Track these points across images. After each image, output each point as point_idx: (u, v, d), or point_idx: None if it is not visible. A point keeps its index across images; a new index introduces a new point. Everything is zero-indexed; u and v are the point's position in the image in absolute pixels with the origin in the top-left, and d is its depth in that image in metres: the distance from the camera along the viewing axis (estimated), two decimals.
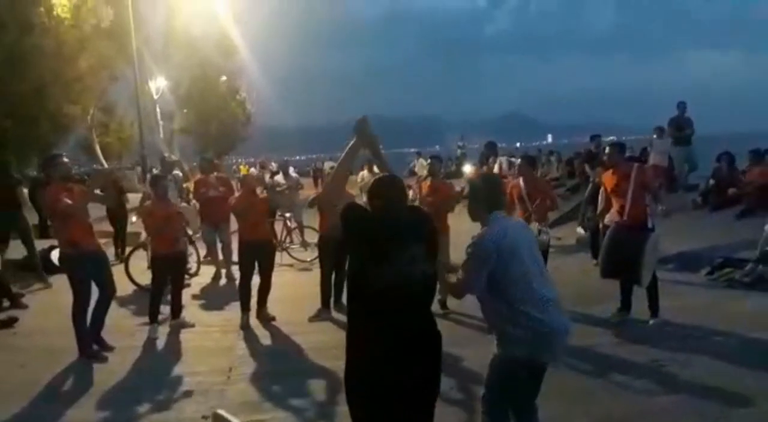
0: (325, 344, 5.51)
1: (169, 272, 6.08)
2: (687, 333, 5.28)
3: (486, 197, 3.00)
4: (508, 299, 2.78)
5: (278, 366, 5.11)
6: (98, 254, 5.44)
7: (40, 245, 9.34)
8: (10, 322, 6.45)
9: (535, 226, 5.95)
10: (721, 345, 4.93)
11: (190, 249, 8.30)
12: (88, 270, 5.27)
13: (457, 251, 9.65)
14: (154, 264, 6.26)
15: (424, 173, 12.34)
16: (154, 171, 8.90)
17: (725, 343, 4.98)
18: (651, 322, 5.54)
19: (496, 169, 10.62)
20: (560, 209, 10.19)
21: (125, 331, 6.09)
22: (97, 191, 5.79)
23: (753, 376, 4.23)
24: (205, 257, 8.89)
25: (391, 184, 2.65)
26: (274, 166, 15.03)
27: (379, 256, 2.42)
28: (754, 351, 4.76)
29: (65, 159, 5.58)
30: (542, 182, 7.22)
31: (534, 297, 2.76)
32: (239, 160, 32.76)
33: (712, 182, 9.95)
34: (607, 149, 5.98)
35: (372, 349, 2.45)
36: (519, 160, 7.96)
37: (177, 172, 9.68)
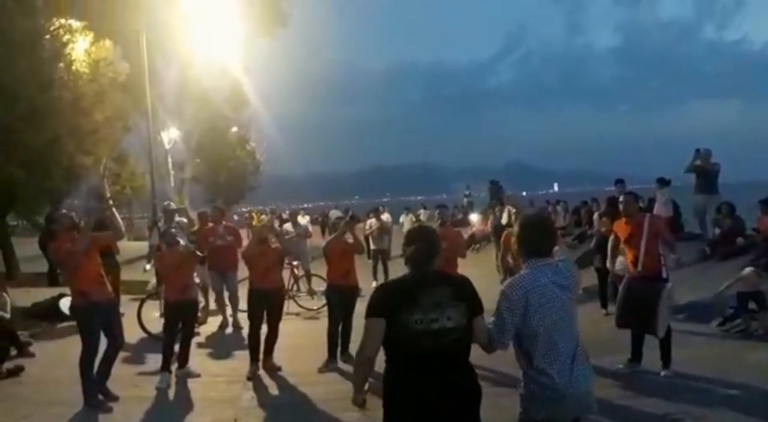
0: (332, 395, 5.44)
1: (181, 320, 6.09)
2: (700, 386, 5.19)
3: (523, 241, 2.80)
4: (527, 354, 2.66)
5: (284, 418, 5.05)
6: (109, 304, 5.46)
7: (49, 293, 9.40)
8: (17, 371, 6.42)
9: None
10: (735, 398, 4.84)
11: (200, 298, 8.33)
12: (97, 321, 5.29)
13: None
14: (167, 311, 6.29)
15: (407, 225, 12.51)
16: (159, 224, 8.99)
17: (739, 396, 4.88)
18: (663, 373, 5.46)
19: (504, 218, 10.68)
20: (568, 258, 10.21)
21: (130, 380, 6.05)
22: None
23: None
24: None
25: (419, 233, 2.73)
26: (286, 213, 15.19)
27: (409, 302, 2.46)
28: None
29: (64, 212, 5.71)
30: None
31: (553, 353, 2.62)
32: (250, 208, 32.93)
33: (717, 231, 9.95)
34: (621, 198, 6.03)
35: (406, 398, 2.49)
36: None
37: (182, 219, 9.78)
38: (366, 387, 2.71)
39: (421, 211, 19.05)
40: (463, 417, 2.52)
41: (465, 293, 2.58)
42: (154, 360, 6.71)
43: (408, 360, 2.49)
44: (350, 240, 6.74)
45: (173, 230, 6.76)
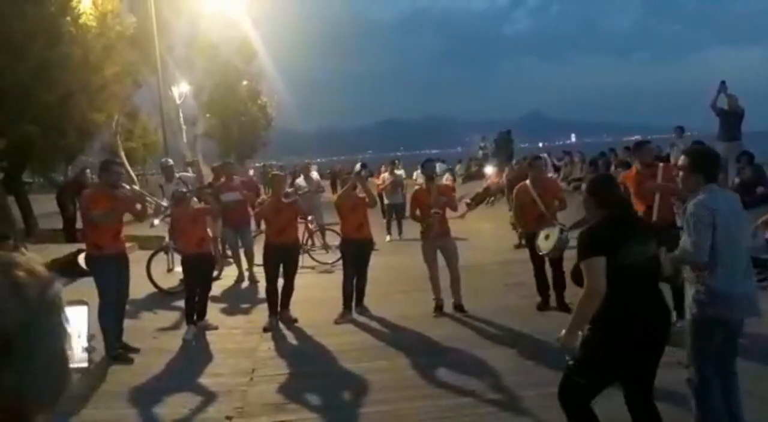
0: (348, 346, 5.53)
1: (199, 273, 6.17)
2: None
3: (703, 169, 3.25)
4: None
5: (300, 368, 5.14)
6: (120, 257, 5.56)
7: (67, 249, 9.53)
8: None
9: (556, 228, 5.95)
10: (748, 346, 4.81)
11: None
12: (109, 271, 5.41)
13: (479, 251, 9.57)
14: (184, 265, 6.39)
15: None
16: (161, 183, 8.99)
17: (753, 344, 4.86)
18: (678, 324, 5.43)
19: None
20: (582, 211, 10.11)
21: (148, 334, 6.17)
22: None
23: None
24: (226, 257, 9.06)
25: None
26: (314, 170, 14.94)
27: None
28: None
29: (119, 168, 5.74)
30: (550, 182, 7.19)
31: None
32: (263, 163, 32.89)
33: (737, 181, 9.75)
34: (634, 148, 5.89)
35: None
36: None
37: (185, 173, 9.77)
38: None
39: (437, 164, 18.93)
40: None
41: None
42: (168, 315, 6.87)
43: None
44: (361, 194, 6.70)
45: (178, 187, 6.77)
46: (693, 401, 3.29)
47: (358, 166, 12.15)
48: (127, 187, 5.74)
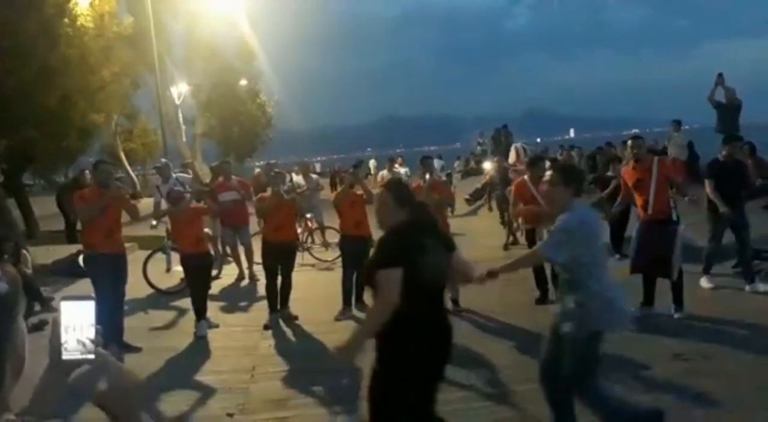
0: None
1: (196, 272, 6.20)
2: (712, 326, 5.21)
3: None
4: None
5: (301, 365, 5.17)
6: (114, 255, 5.61)
7: (68, 250, 9.58)
8: (41, 325, 6.61)
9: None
10: (747, 339, 4.85)
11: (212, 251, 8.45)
12: (104, 270, 5.48)
13: (475, 248, 9.60)
14: (184, 266, 6.43)
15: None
16: (158, 184, 9.00)
17: (751, 336, 4.90)
18: (676, 315, 5.47)
19: (512, 157, 10.55)
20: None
21: (149, 333, 6.21)
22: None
23: None
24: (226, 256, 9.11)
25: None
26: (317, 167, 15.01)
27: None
28: None
29: (109, 166, 5.83)
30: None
31: None
32: (266, 161, 32.88)
33: None
34: (630, 143, 5.90)
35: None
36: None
37: (182, 174, 9.77)
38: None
39: (435, 161, 18.94)
40: None
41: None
42: (168, 315, 6.92)
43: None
44: (359, 191, 6.73)
45: (175, 187, 6.80)
46: None
47: (371, 163, 12.30)
48: (119, 185, 5.85)
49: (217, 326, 6.33)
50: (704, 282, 6.37)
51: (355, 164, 7.98)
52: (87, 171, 12.06)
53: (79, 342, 1.14)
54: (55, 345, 1.11)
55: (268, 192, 6.83)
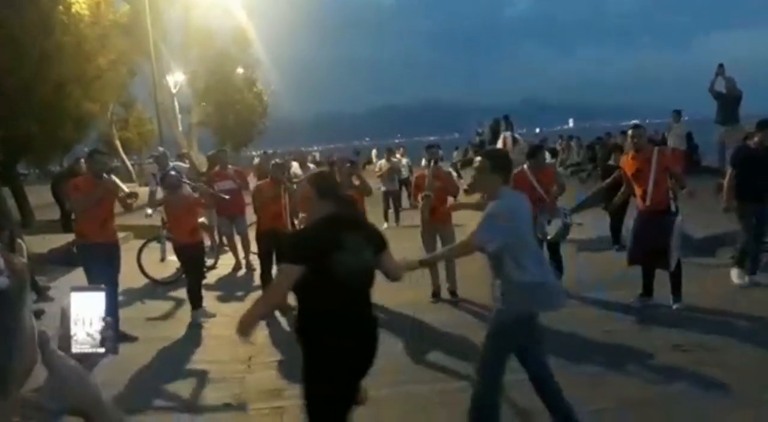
0: None
1: (191, 261, 6.19)
2: (711, 318, 5.19)
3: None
4: None
5: (297, 355, 5.10)
6: (107, 245, 5.57)
7: (64, 239, 9.52)
8: (38, 314, 6.58)
9: (560, 214, 6.02)
10: (745, 329, 4.84)
11: (208, 241, 8.42)
12: (96, 260, 5.44)
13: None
14: (179, 255, 6.40)
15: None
16: (154, 173, 8.95)
17: (750, 327, 4.89)
18: (675, 306, 5.46)
19: (499, 144, 10.47)
20: (582, 194, 10.09)
21: (144, 323, 6.19)
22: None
23: None
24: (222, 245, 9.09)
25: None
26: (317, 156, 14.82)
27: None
28: None
29: (105, 156, 5.78)
30: (548, 167, 7.17)
31: None
32: (263, 150, 32.78)
33: None
34: (630, 132, 5.85)
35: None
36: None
37: (179, 163, 9.71)
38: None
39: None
40: None
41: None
42: (163, 305, 6.90)
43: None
44: (356, 182, 6.68)
45: (173, 172, 6.69)
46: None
47: (373, 152, 12.25)
48: (113, 177, 5.80)
49: (213, 315, 6.31)
50: (735, 277, 6.04)
51: (357, 153, 7.95)
52: (82, 160, 11.99)
53: (88, 334, 1.08)
54: (64, 337, 1.06)
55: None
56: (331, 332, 2.65)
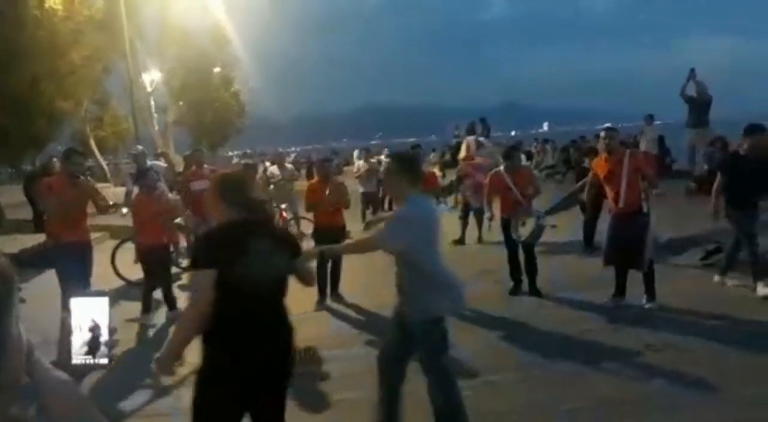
0: (324, 333, 5.54)
1: (156, 264, 6.12)
2: (682, 318, 5.31)
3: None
4: None
5: None
6: (79, 245, 5.49)
7: (36, 239, 9.34)
8: None
9: (533, 215, 6.10)
10: (715, 329, 4.96)
11: (184, 242, 8.34)
12: (67, 259, 5.37)
13: (448, 240, 9.51)
14: (141, 256, 6.29)
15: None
16: (132, 172, 8.84)
17: (720, 326, 5.01)
18: (647, 306, 5.57)
19: (462, 151, 10.40)
20: (556, 197, 10.23)
21: (123, 324, 6.09)
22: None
23: (746, 358, 4.26)
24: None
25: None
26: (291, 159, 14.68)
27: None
28: (749, 332, 4.80)
29: (81, 158, 5.68)
30: (524, 169, 7.26)
31: None
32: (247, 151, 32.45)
33: (706, 167, 9.97)
34: (602, 134, 5.94)
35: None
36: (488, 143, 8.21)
37: (157, 162, 9.60)
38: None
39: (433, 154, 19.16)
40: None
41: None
42: (138, 306, 6.80)
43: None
44: (336, 182, 6.70)
45: (152, 172, 6.60)
46: None
47: (355, 153, 12.11)
48: (89, 179, 5.72)
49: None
50: (762, 289, 5.62)
51: (325, 157, 7.94)
52: (55, 159, 11.76)
53: (90, 344, 1.02)
54: (64, 348, 0.99)
55: None
56: (233, 341, 2.49)
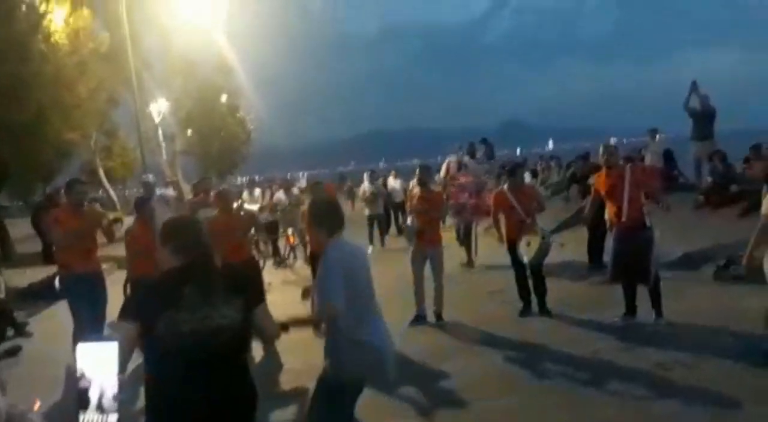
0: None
1: None
2: (693, 335, 5.21)
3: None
4: None
5: (273, 388, 5.03)
6: (92, 276, 5.48)
7: (45, 271, 9.38)
8: (14, 351, 6.45)
9: (538, 234, 6.06)
10: (728, 345, 4.86)
11: None
12: (81, 291, 5.34)
13: (457, 260, 9.46)
14: (132, 288, 5.85)
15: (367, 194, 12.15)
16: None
17: (732, 343, 4.92)
18: (657, 322, 5.49)
19: (442, 171, 10.21)
20: (562, 215, 10.18)
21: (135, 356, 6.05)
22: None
23: (761, 377, 4.17)
24: None
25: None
26: (303, 182, 14.61)
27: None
28: (765, 351, 4.69)
29: (84, 187, 5.67)
30: (528, 187, 7.24)
31: None
32: (250, 178, 32.62)
33: (710, 180, 9.91)
34: (601, 150, 5.92)
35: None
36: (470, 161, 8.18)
37: (167, 191, 9.62)
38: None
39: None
40: None
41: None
42: None
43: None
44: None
45: (153, 200, 6.48)
46: None
47: (367, 186, 12.14)
48: (97, 205, 5.72)
49: None
50: None
51: (342, 177, 7.91)
52: (62, 190, 11.88)
53: (99, 402, 0.91)
54: (69, 402, 0.90)
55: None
56: (164, 415, 2.16)
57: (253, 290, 2.43)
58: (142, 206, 5.91)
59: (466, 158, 10.19)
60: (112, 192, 26.76)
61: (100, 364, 0.92)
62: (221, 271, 2.40)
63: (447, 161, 10.03)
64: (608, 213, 5.75)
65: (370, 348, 2.93)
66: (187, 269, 2.24)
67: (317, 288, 2.98)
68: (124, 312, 2.24)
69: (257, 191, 14.57)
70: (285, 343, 6.17)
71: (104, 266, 6.92)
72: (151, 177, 9.44)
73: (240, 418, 2.27)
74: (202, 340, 2.12)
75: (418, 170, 6.82)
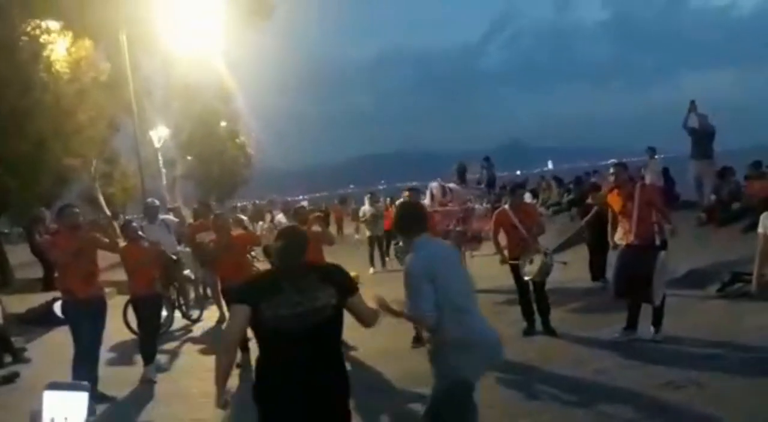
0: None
1: (147, 313, 6.05)
2: (700, 351, 5.15)
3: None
4: None
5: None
6: (94, 301, 5.42)
7: (44, 298, 9.31)
8: (12, 377, 6.35)
9: (540, 253, 6.02)
10: (734, 361, 4.80)
11: (193, 293, 8.30)
12: (83, 318, 5.29)
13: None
14: (134, 306, 6.26)
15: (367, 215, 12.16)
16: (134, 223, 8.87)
17: (739, 359, 4.85)
18: (654, 335, 5.45)
19: (427, 199, 9.09)
20: (565, 234, 10.14)
21: (125, 381, 5.98)
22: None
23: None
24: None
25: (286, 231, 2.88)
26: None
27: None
28: None
29: (74, 209, 5.66)
30: (529, 207, 7.25)
31: None
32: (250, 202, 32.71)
33: (713, 197, 9.91)
34: (611, 170, 5.95)
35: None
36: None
37: (168, 216, 9.57)
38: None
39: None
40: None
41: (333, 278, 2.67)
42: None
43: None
44: (317, 228, 6.63)
45: (134, 224, 6.57)
46: None
47: (367, 209, 12.12)
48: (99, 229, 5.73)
49: (166, 369, 6.21)
50: None
51: (344, 199, 7.92)
52: (43, 208, 11.96)
53: None
54: None
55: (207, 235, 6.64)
56: (266, 392, 2.50)
57: (343, 281, 2.70)
58: (127, 228, 6.26)
59: (452, 184, 9.88)
60: (112, 218, 26.74)
61: (67, 411, 0.86)
62: (312, 267, 2.72)
63: (430, 186, 9.57)
64: (620, 231, 5.70)
65: (476, 344, 2.96)
66: (284, 270, 2.61)
67: (407, 298, 3.02)
68: (232, 298, 2.71)
69: (280, 216, 14.24)
70: None
71: (105, 290, 6.88)
72: (156, 202, 9.46)
73: (337, 403, 2.56)
74: (302, 320, 2.43)
75: (406, 193, 6.89)
